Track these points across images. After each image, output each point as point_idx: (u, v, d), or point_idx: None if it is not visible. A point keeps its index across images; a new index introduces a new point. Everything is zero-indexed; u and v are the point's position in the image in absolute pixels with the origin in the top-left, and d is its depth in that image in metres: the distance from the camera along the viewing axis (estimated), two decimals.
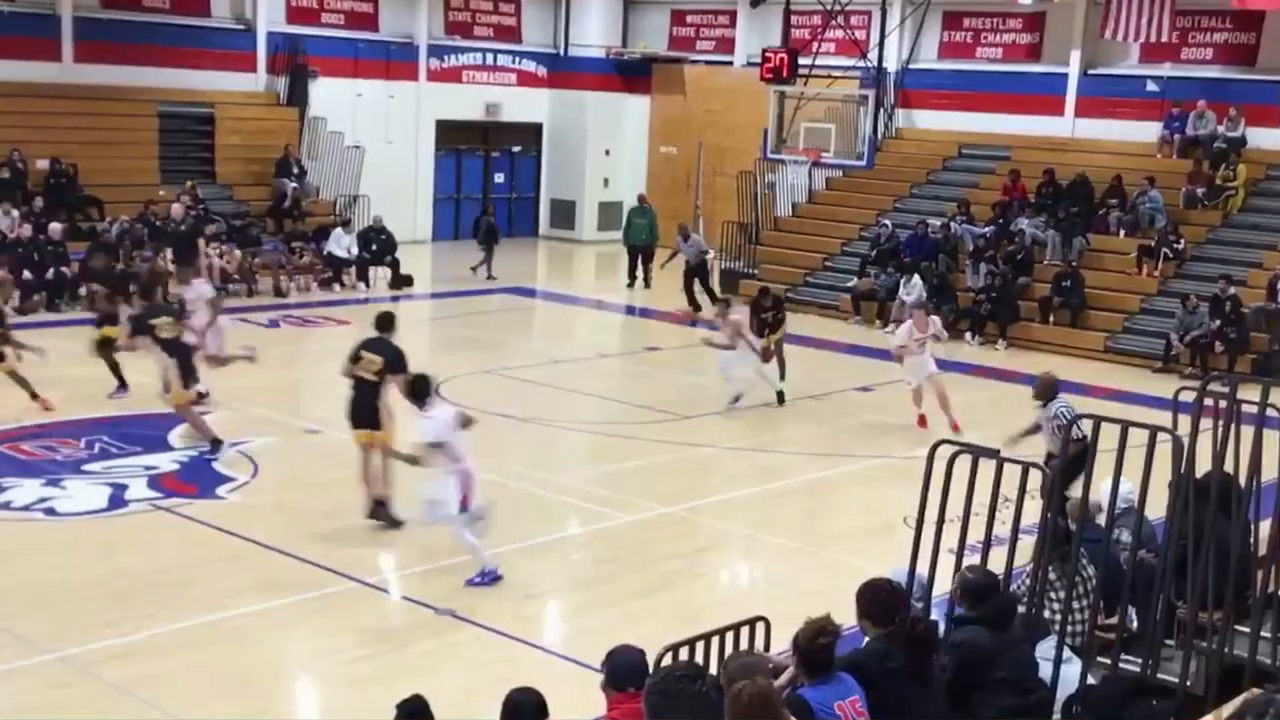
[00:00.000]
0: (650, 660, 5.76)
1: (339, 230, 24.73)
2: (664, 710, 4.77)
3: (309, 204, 26.51)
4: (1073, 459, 8.97)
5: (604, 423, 15.88)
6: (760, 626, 6.84)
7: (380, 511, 11.52)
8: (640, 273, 26.27)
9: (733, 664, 5.45)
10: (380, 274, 24.81)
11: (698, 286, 23.88)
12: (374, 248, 24.88)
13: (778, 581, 11.08)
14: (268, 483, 12.73)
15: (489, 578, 10.27)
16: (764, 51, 26.15)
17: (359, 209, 26.82)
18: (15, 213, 21.77)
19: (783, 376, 16.98)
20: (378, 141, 28.53)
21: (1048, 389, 11.76)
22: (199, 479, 12.62)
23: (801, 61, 25.83)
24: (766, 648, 6.67)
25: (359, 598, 10.09)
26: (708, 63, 31.56)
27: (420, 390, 10.38)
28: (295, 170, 26.36)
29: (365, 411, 11.44)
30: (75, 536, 11.05)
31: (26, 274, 20.66)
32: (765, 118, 26.32)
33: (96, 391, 14.87)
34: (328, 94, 27.95)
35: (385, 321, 11.86)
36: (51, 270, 20.96)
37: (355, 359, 11.55)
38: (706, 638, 6.64)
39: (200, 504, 11.97)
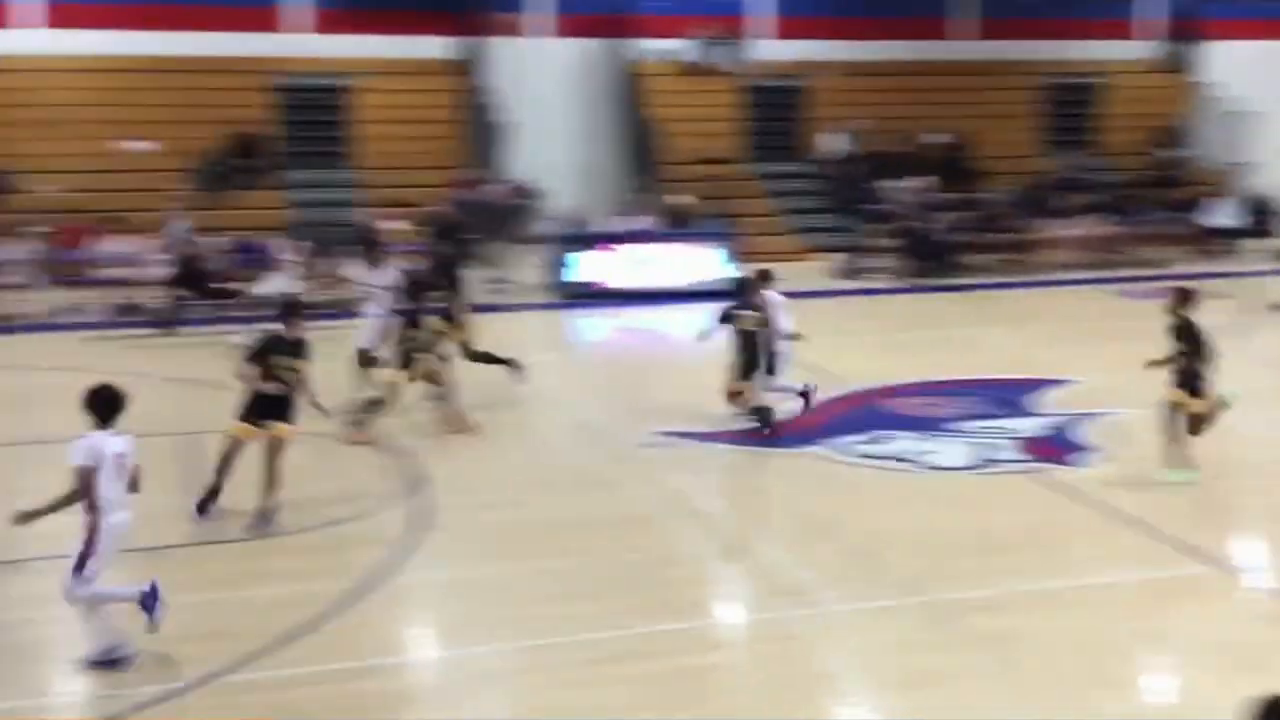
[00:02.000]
0: None
1: (1222, 199, 23.90)
2: None
3: (1192, 172, 25.91)
4: None
5: None
6: None
7: None
8: None
9: None
10: (1266, 246, 23.60)
11: None
12: (1259, 217, 23.73)
13: None
14: (1130, 456, 12.82)
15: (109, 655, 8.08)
16: None
17: (1245, 177, 25.70)
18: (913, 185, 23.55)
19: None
20: (1274, 106, 27.09)
21: None
22: (1064, 446, 13.06)
23: None
24: None
25: (1215, 582, 9.90)
26: None
27: (106, 403, 7.84)
28: (1182, 139, 25.90)
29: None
30: (950, 490, 11.93)
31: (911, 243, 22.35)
32: None
33: (962, 356, 15.87)
34: (1222, 58, 26.98)
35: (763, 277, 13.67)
36: (933, 241, 22.47)
37: (728, 318, 13.29)
38: None
39: (1063, 470, 12.39)
